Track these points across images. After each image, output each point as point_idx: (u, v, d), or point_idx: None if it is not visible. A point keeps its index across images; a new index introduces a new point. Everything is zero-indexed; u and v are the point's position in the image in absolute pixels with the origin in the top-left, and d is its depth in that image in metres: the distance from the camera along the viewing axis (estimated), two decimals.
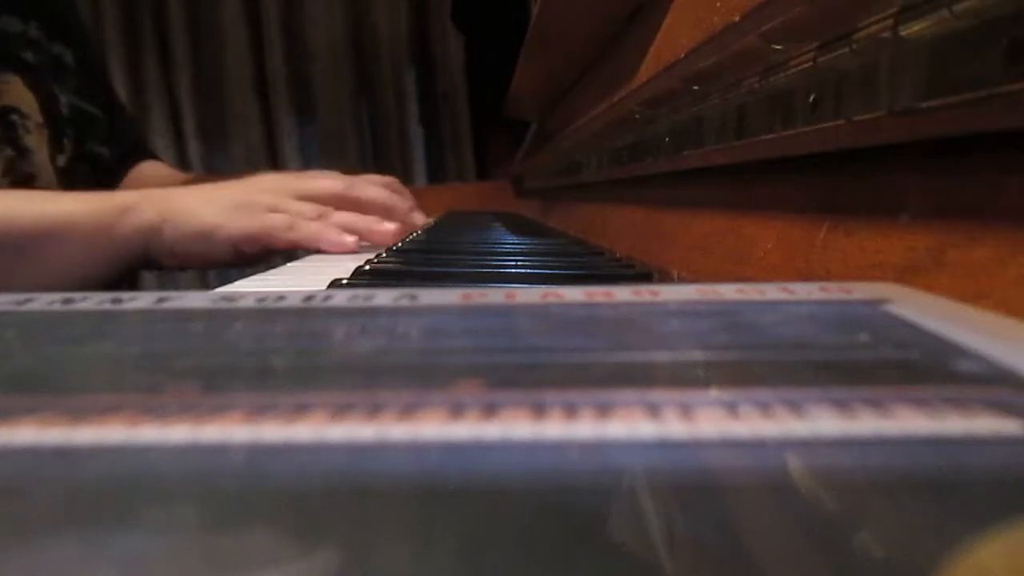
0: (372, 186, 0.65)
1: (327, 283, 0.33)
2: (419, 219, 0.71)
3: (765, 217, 0.32)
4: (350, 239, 0.58)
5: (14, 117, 0.67)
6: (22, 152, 0.67)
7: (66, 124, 0.73)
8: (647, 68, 0.49)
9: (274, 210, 0.58)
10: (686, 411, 0.09)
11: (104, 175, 0.79)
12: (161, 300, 0.16)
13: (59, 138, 0.72)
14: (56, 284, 0.54)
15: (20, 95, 0.68)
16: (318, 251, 0.58)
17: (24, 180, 0.68)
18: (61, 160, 0.73)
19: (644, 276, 0.39)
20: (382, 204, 0.64)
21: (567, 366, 0.12)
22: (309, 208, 0.59)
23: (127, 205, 0.56)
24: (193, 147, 2.10)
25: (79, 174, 0.75)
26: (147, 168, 0.86)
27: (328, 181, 0.63)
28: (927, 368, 0.11)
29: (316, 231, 0.57)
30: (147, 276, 1.99)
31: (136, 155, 0.87)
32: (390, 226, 0.60)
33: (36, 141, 0.69)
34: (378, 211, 0.63)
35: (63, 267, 0.54)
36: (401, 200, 0.67)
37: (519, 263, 0.46)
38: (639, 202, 0.57)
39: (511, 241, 0.66)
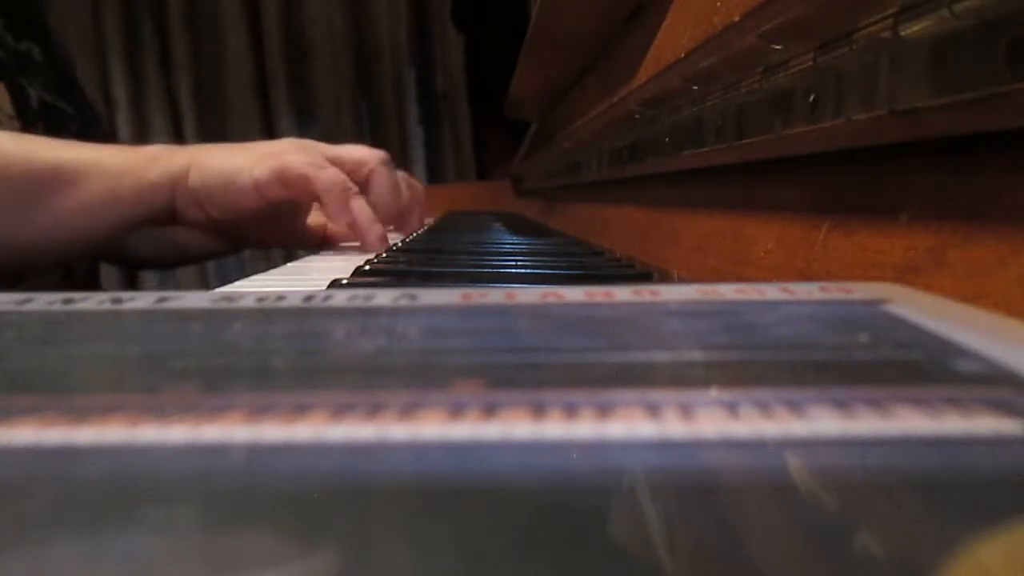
0: (395, 180, 0.64)
1: (327, 283, 0.33)
2: (416, 223, 0.71)
3: (765, 217, 0.32)
4: (346, 222, 0.57)
5: None
6: None
7: (36, 117, 0.73)
8: (647, 68, 0.49)
9: (296, 152, 0.58)
10: (686, 411, 0.09)
11: None
12: (161, 300, 0.16)
13: (29, 131, 0.71)
14: (81, 224, 0.54)
15: None
16: (321, 242, 0.58)
17: None
18: None
19: (644, 276, 0.39)
20: (395, 199, 0.63)
21: (567, 366, 0.12)
22: (334, 171, 0.58)
23: (155, 155, 0.56)
24: None
25: None
26: None
27: (360, 149, 0.63)
28: (927, 368, 0.11)
29: (331, 182, 0.56)
30: (147, 276, 1.99)
31: None
32: (380, 232, 0.59)
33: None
34: (387, 202, 0.63)
35: (87, 208, 0.53)
36: (410, 204, 0.68)
37: (519, 263, 0.46)
38: (639, 202, 0.57)
39: (511, 241, 0.66)
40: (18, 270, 0.59)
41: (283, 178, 0.56)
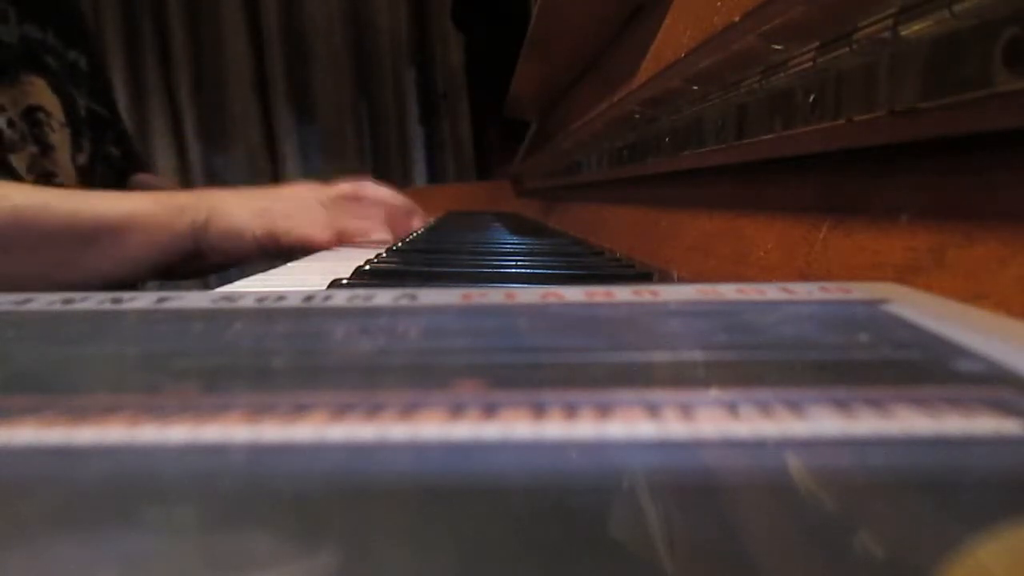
0: (378, 190, 0.73)
1: (327, 283, 0.33)
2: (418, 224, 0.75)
3: (765, 217, 0.32)
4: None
5: (40, 115, 0.72)
6: (45, 149, 0.72)
7: (84, 125, 0.76)
8: (647, 68, 0.49)
9: (289, 215, 0.67)
10: (686, 411, 0.09)
11: (118, 175, 0.84)
12: (161, 300, 0.16)
13: (78, 138, 0.75)
14: (118, 272, 0.61)
15: (44, 95, 0.73)
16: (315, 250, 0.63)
17: (45, 177, 0.72)
18: (81, 159, 0.77)
19: (644, 276, 0.39)
20: (389, 204, 0.73)
21: (567, 366, 0.12)
22: (320, 214, 0.67)
23: (184, 205, 0.65)
24: (193, 148, 2.10)
25: (97, 173, 0.80)
26: (142, 179, 0.90)
27: (344, 185, 0.73)
28: (927, 368, 0.11)
29: (309, 232, 0.66)
30: None
31: (134, 165, 0.90)
32: (377, 236, 0.68)
33: (59, 140, 0.73)
34: (387, 199, 0.72)
35: (125, 257, 0.61)
36: (403, 204, 0.77)
37: (519, 263, 0.46)
38: (639, 202, 0.57)
39: (511, 241, 0.66)
40: None
41: (272, 237, 0.65)
